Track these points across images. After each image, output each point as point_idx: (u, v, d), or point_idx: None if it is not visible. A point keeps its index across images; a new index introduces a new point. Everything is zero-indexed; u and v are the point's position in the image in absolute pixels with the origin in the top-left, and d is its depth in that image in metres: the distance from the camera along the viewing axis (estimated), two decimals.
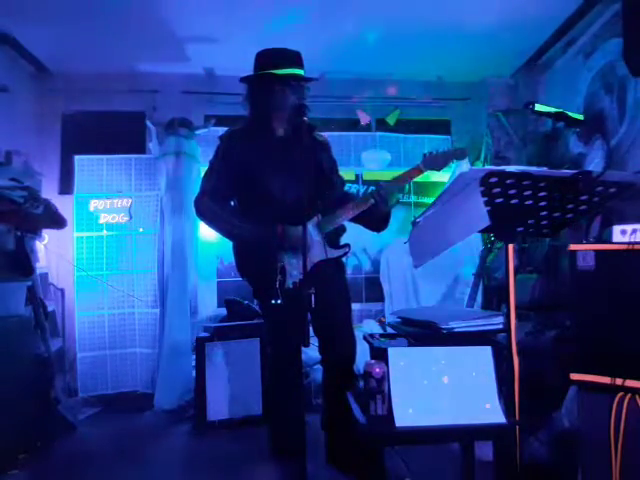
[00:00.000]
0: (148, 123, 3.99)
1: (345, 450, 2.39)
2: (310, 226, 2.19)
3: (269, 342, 2.50)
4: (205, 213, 2.34)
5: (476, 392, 1.60)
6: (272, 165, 2.29)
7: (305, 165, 2.12)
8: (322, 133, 2.52)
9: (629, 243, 1.69)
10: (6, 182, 3.10)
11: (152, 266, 3.88)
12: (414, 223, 2.01)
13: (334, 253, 2.31)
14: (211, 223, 2.37)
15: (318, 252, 2.23)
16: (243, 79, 2.37)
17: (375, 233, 2.52)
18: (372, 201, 2.24)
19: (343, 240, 2.44)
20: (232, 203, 2.44)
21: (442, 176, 4.43)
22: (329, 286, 2.25)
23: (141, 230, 3.93)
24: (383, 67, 4.28)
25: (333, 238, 2.35)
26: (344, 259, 2.45)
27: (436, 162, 2.22)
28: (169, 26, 3.55)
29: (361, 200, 2.29)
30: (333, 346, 2.41)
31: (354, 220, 2.36)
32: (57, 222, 3.40)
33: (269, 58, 2.31)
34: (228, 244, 2.44)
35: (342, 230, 2.43)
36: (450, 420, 1.55)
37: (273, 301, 2.13)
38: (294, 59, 2.32)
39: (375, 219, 2.39)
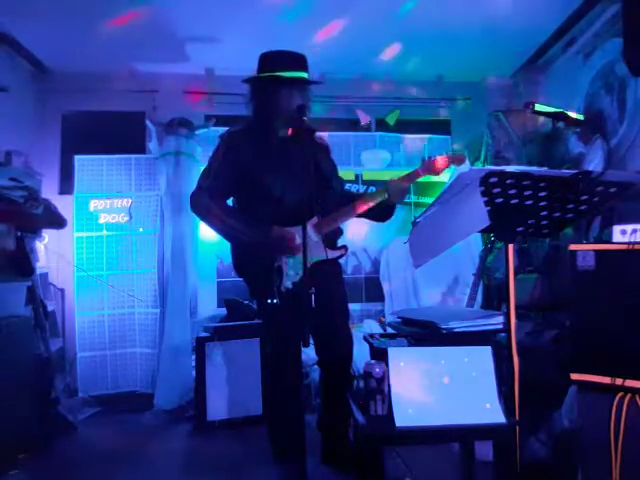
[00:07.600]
0: (148, 123, 3.99)
1: (341, 450, 2.40)
2: (308, 227, 2.12)
3: (267, 342, 2.50)
4: (200, 209, 2.29)
5: (476, 392, 1.60)
6: (272, 165, 2.28)
7: (305, 166, 2.06)
8: (322, 133, 2.52)
9: (629, 243, 1.69)
10: (6, 182, 3.10)
11: (152, 266, 3.87)
12: (414, 223, 2.02)
13: (332, 254, 2.30)
14: (205, 219, 2.32)
15: (317, 253, 2.21)
16: (247, 80, 2.35)
17: (380, 225, 2.58)
18: (386, 195, 2.27)
19: (342, 241, 2.44)
20: (229, 202, 2.43)
21: (442, 176, 4.44)
22: (327, 287, 2.24)
23: (141, 230, 3.92)
24: (383, 67, 4.28)
25: (330, 240, 2.34)
26: (342, 260, 2.45)
27: (434, 167, 2.25)
28: (169, 26, 3.55)
29: (376, 193, 2.32)
30: (330, 347, 2.41)
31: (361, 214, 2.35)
32: (57, 222, 3.40)
33: (276, 60, 2.30)
34: (228, 244, 2.42)
35: (339, 232, 2.44)
36: (450, 420, 1.55)
37: (269, 300, 2.16)
38: (300, 62, 2.32)
39: (384, 211, 2.39)
